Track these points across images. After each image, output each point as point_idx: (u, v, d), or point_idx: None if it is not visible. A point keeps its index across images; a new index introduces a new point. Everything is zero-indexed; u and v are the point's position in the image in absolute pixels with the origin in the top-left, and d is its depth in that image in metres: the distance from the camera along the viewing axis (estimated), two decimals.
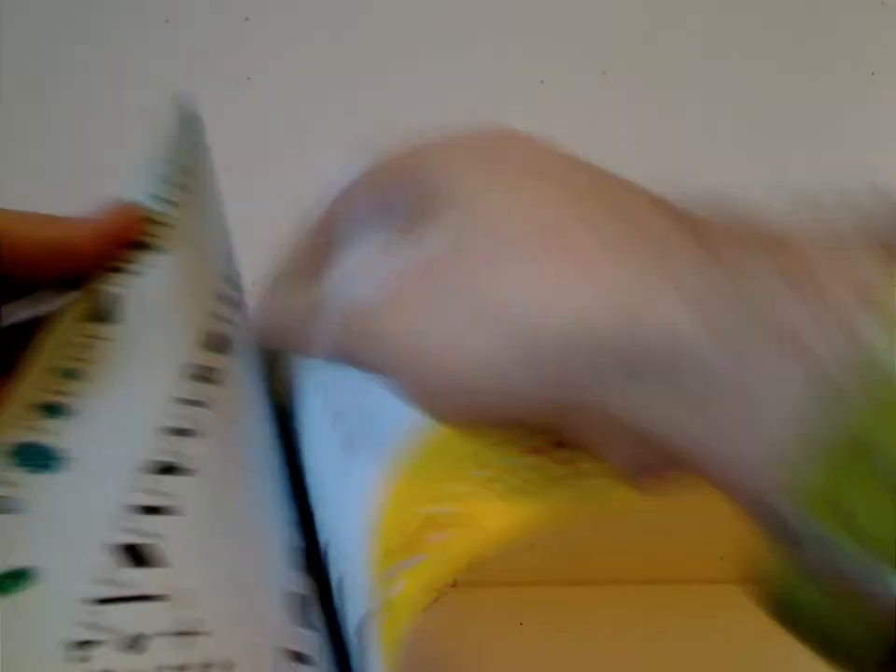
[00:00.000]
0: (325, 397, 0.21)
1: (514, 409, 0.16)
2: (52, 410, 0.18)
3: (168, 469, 0.18)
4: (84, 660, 0.15)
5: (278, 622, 0.18)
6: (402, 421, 0.18)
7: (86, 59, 0.45)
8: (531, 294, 0.16)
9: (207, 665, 0.16)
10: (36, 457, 0.17)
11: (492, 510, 0.15)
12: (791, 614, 0.14)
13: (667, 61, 0.46)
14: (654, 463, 0.17)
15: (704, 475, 0.15)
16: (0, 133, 0.44)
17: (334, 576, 0.19)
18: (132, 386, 0.19)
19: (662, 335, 0.14)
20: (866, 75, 0.46)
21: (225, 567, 0.18)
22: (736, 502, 0.15)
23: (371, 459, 0.19)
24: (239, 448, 0.20)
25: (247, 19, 0.47)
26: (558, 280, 0.16)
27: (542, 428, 0.17)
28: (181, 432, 0.19)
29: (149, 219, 0.23)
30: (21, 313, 0.20)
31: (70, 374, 0.19)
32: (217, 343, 0.20)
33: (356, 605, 0.17)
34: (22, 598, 0.15)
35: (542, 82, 0.45)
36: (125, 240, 0.22)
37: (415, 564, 0.15)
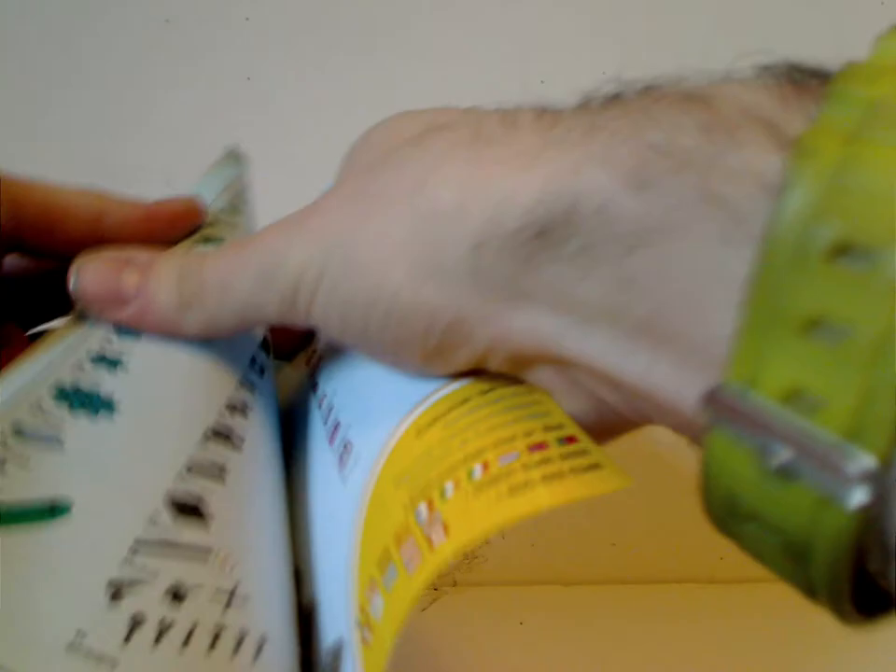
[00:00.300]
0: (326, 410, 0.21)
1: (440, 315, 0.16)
2: (109, 362, 0.18)
3: (219, 435, 0.18)
4: (119, 598, 0.15)
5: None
6: (390, 425, 0.18)
7: (86, 59, 0.45)
8: (450, 189, 0.15)
9: (243, 633, 0.16)
10: (90, 403, 0.18)
11: (466, 511, 0.14)
12: (739, 517, 0.12)
13: (667, 61, 0.46)
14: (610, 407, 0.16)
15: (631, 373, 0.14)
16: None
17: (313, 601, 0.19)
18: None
19: (586, 198, 0.14)
20: None
21: (266, 540, 0.18)
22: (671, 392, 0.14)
23: (361, 471, 0.18)
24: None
25: (247, 19, 0.47)
26: (474, 175, 0.15)
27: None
28: (233, 409, 0.19)
29: (207, 214, 0.23)
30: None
31: (125, 332, 0.19)
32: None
33: (334, 622, 0.17)
34: (65, 531, 0.15)
35: (542, 82, 0.45)
36: (178, 225, 0.22)
37: (391, 579, 0.15)
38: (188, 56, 0.46)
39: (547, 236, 0.14)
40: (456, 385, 0.18)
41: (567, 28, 0.47)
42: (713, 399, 0.12)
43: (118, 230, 0.20)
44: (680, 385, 0.14)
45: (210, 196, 0.25)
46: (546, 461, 0.14)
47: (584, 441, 0.15)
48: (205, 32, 0.46)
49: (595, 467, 0.14)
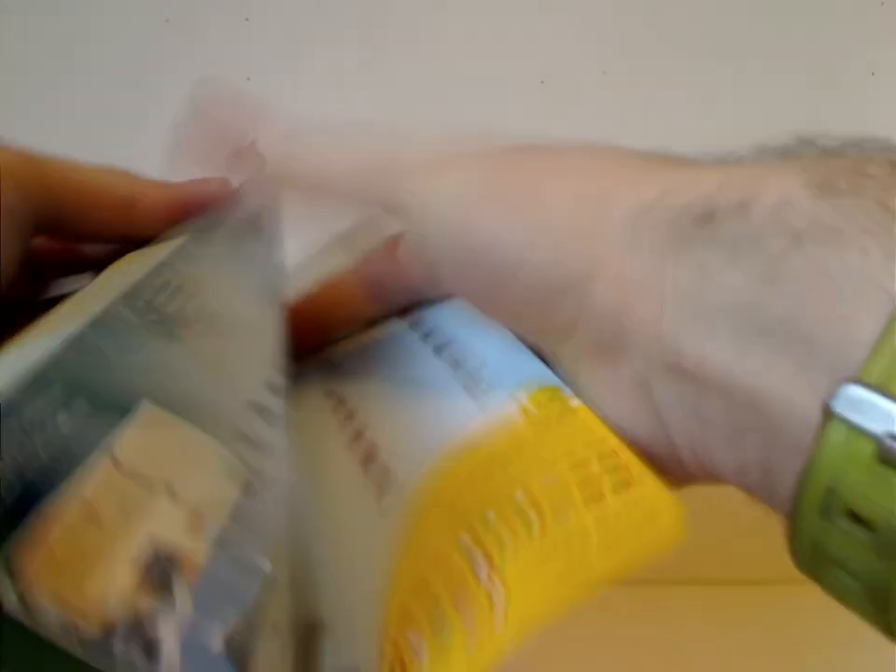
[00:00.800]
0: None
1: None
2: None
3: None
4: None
5: None
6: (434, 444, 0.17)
7: (85, 59, 0.45)
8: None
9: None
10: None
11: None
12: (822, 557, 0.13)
13: (668, 61, 0.46)
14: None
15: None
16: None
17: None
18: None
19: (767, 194, 0.14)
20: (866, 75, 0.46)
21: None
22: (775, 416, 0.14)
23: (397, 492, 0.17)
24: None
25: (247, 19, 0.47)
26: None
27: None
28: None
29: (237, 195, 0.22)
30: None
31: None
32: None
33: (350, 647, 0.16)
34: None
35: (542, 82, 0.45)
36: (210, 208, 0.21)
37: (441, 629, 0.14)
38: (188, 56, 0.46)
39: (713, 220, 0.15)
40: (500, 412, 0.18)
41: (567, 28, 0.47)
42: (843, 396, 0.12)
43: (150, 213, 0.20)
44: (796, 387, 0.14)
45: None
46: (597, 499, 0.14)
47: (636, 469, 0.15)
48: (205, 32, 0.46)
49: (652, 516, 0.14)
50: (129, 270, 0.18)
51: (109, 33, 0.46)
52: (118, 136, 0.45)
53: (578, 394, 0.17)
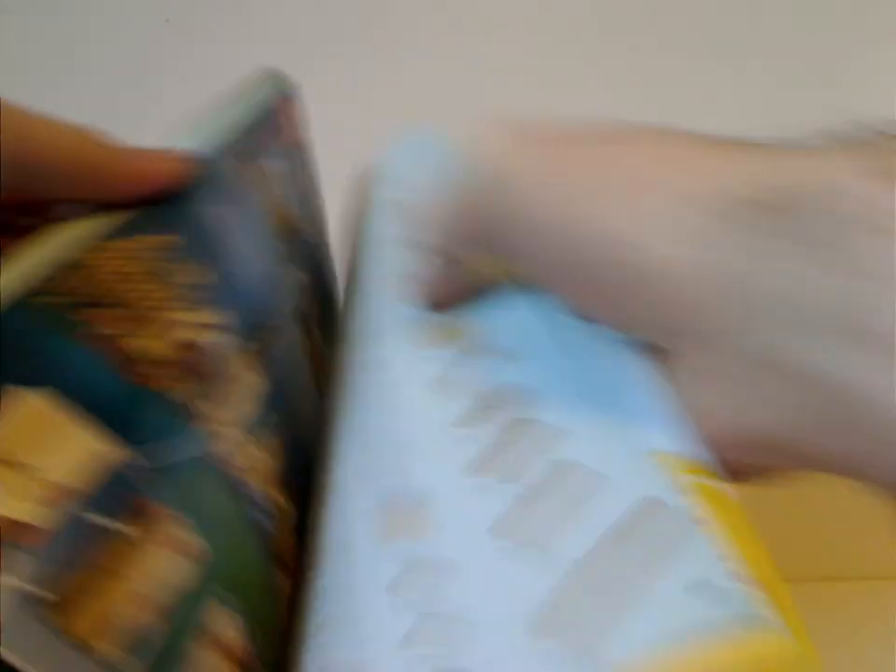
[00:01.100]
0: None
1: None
2: None
3: None
4: None
5: None
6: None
7: (85, 59, 0.45)
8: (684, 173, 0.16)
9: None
10: None
11: None
12: None
13: (668, 61, 0.46)
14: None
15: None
16: None
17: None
18: None
19: (837, 183, 0.14)
20: (866, 75, 0.46)
21: None
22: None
23: None
24: None
25: (247, 19, 0.47)
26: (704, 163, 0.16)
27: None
28: None
29: (201, 169, 0.21)
30: None
31: None
32: None
33: None
34: None
35: (542, 82, 0.45)
36: (169, 190, 0.21)
37: None
38: (188, 56, 0.46)
39: (797, 215, 0.14)
40: None
41: (567, 28, 0.47)
42: None
43: (105, 188, 0.19)
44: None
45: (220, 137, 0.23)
46: None
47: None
48: (205, 32, 0.46)
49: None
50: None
51: (109, 33, 0.46)
52: (117, 136, 0.45)
53: (680, 389, 0.16)
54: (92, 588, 0.14)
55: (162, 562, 0.16)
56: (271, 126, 0.25)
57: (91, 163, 0.19)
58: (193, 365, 0.18)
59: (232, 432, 0.19)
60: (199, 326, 0.19)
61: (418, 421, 0.17)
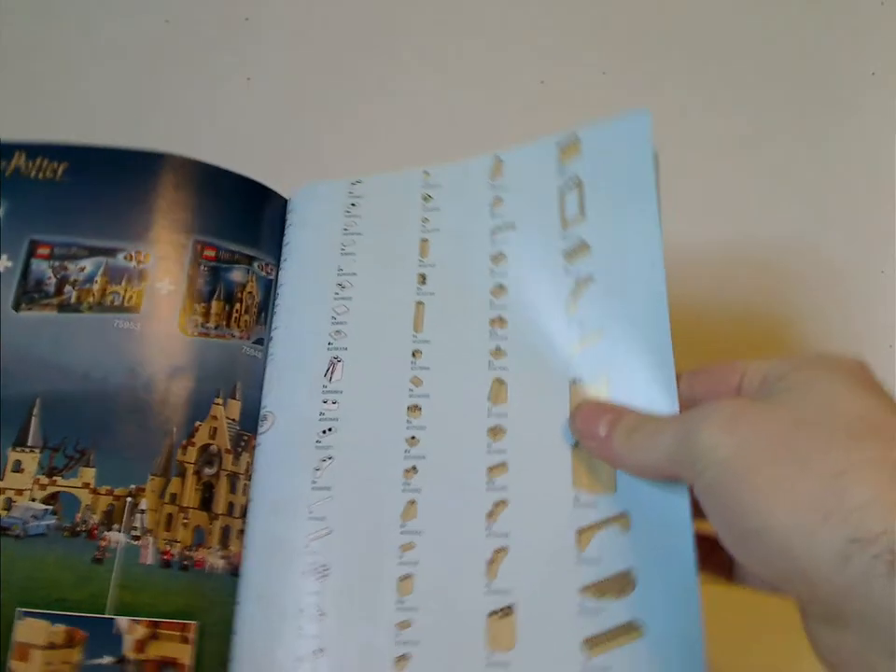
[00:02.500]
0: None
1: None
2: None
3: None
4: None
5: None
6: None
7: (85, 59, 0.45)
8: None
9: None
10: None
11: None
12: None
13: (668, 61, 0.46)
14: None
15: None
16: None
17: None
18: None
19: None
20: (866, 75, 0.46)
21: None
22: None
23: None
24: None
25: (247, 19, 0.47)
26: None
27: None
28: None
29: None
30: None
31: None
32: None
33: None
34: None
35: (542, 82, 0.45)
36: None
37: None
38: (188, 56, 0.46)
39: None
40: None
41: (567, 28, 0.47)
42: None
43: None
44: None
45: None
46: None
47: None
48: (205, 32, 0.46)
49: None
50: None
51: (109, 33, 0.46)
52: (118, 136, 0.45)
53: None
54: None
55: None
56: None
57: None
58: None
59: None
60: None
61: None
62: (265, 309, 0.28)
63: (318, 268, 0.28)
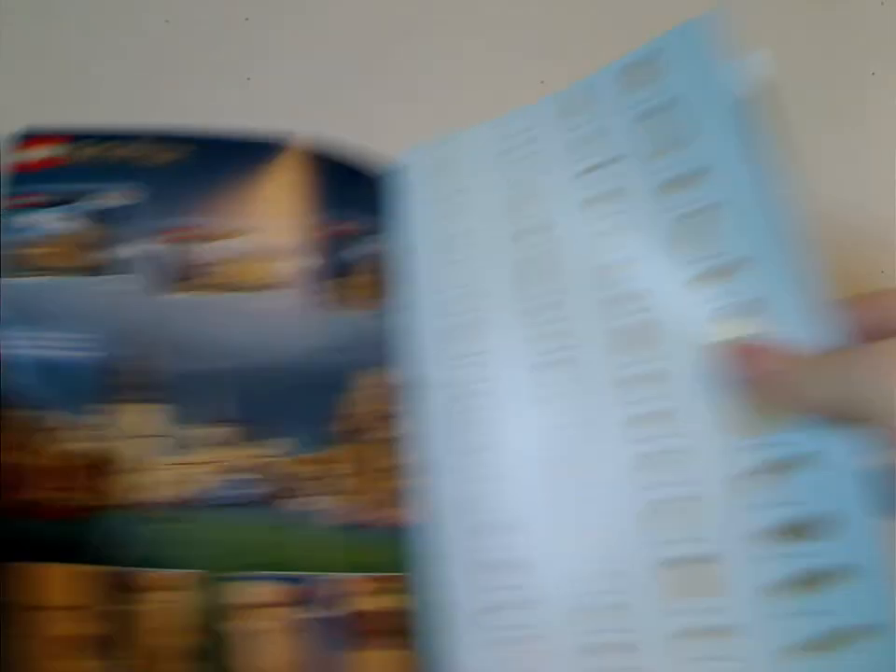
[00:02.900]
0: None
1: None
2: None
3: None
4: None
5: None
6: None
7: (85, 59, 0.45)
8: None
9: None
10: None
11: None
12: None
13: None
14: None
15: None
16: None
17: None
18: None
19: None
20: (866, 75, 0.46)
21: None
22: None
23: None
24: None
25: (247, 19, 0.47)
26: None
27: None
28: None
29: None
30: None
31: None
32: None
33: None
34: None
35: (542, 82, 0.45)
36: None
37: None
38: (188, 56, 0.46)
39: None
40: None
41: (567, 28, 0.47)
42: None
43: None
44: None
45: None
46: None
47: None
48: (205, 32, 0.46)
49: None
50: None
51: (109, 33, 0.46)
52: None
53: None
54: None
55: None
56: None
57: None
58: None
59: None
60: None
61: None
62: (394, 278, 0.30)
63: (436, 231, 0.29)
